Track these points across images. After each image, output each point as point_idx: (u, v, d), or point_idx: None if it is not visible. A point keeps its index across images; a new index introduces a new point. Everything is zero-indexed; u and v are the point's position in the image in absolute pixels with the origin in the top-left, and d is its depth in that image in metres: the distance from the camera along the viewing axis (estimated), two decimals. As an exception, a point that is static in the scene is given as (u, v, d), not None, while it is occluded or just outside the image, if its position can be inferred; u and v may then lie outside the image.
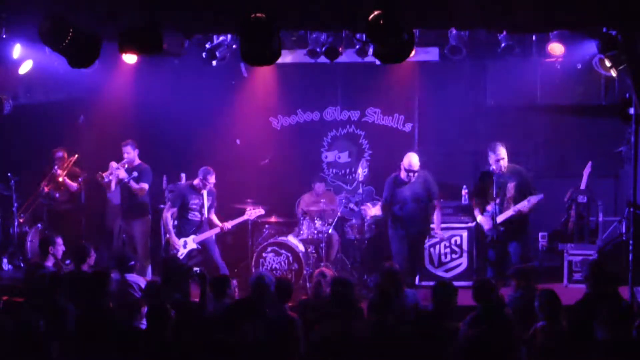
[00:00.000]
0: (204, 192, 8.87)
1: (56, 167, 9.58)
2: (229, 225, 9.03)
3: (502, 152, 8.38)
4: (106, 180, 9.03)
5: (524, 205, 8.28)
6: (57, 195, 9.68)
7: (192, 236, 8.83)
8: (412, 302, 6.49)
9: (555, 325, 5.84)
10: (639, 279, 7.22)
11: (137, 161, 9.32)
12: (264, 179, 10.49)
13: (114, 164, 9.07)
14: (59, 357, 5.40)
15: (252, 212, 9.19)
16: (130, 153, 9.26)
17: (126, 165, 9.16)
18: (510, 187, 8.36)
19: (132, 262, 7.44)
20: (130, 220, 9.29)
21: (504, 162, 8.38)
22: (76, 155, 9.69)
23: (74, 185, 9.66)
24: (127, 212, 9.30)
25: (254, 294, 6.44)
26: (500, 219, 8.30)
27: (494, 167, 8.38)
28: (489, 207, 8.40)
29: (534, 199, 8.28)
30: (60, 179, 9.54)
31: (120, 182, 9.08)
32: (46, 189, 9.63)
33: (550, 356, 5.51)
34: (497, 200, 8.24)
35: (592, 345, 5.48)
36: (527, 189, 8.40)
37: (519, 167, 8.60)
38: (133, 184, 9.05)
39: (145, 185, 9.16)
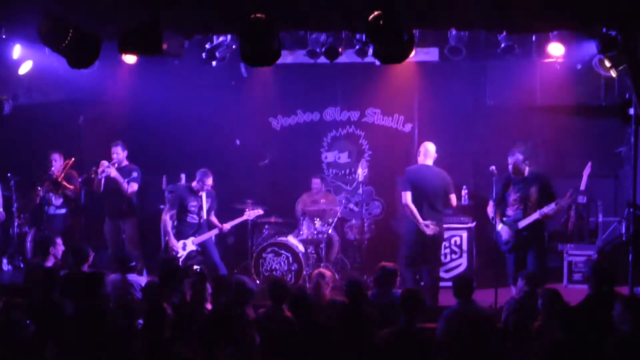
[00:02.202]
0: (203, 194, 8.87)
1: (53, 169, 9.49)
2: (227, 226, 9.05)
3: (515, 157, 7.96)
4: (99, 177, 9.02)
5: (551, 208, 7.80)
6: (54, 199, 9.55)
7: (192, 238, 8.83)
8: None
9: (558, 324, 5.86)
10: (639, 279, 7.22)
11: (125, 162, 9.33)
12: (263, 179, 10.50)
13: (105, 163, 9.07)
14: (54, 357, 5.40)
15: (251, 213, 9.21)
16: (120, 154, 9.28)
17: (116, 165, 9.17)
18: (533, 191, 7.94)
19: (134, 263, 7.45)
20: (120, 222, 9.30)
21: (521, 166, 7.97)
22: (72, 159, 9.56)
23: (71, 189, 9.57)
24: (117, 214, 9.30)
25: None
26: (523, 223, 7.90)
27: (510, 169, 8.01)
28: (510, 212, 8.02)
29: (562, 202, 7.91)
30: (60, 179, 9.43)
31: (110, 181, 9.08)
32: (41, 192, 9.48)
33: (552, 355, 5.52)
34: (521, 206, 7.93)
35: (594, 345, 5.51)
36: (550, 193, 7.95)
37: (540, 172, 8.20)
38: (128, 185, 9.09)
39: (136, 186, 9.22)
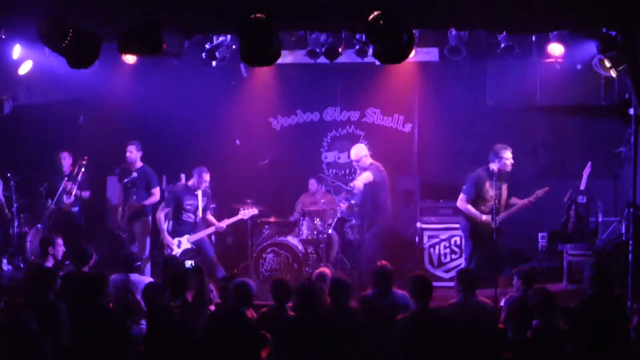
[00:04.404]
0: (199, 193, 8.90)
1: (66, 178, 9.43)
2: (223, 224, 9.06)
3: (510, 155, 8.34)
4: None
5: (529, 201, 8.30)
6: (65, 198, 9.52)
7: (187, 236, 8.88)
8: (402, 302, 6.48)
9: (550, 324, 5.87)
10: (639, 279, 7.22)
11: (140, 163, 9.34)
12: (263, 179, 10.49)
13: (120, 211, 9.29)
14: (54, 357, 5.40)
15: (246, 212, 9.20)
16: (133, 152, 9.30)
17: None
18: (504, 189, 8.39)
19: (139, 263, 7.45)
20: (133, 220, 9.32)
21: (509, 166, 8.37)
22: (85, 159, 9.48)
23: (86, 194, 9.59)
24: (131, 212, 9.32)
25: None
26: (501, 217, 8.27)
27: (496, 168, 8.28)
28: (485, 209, 8.35)
29: (540, 193, 8.31)
30: (76, 192, 9.40)
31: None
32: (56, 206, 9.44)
33: (546, 355, 5.54)
34: (496, 203, 8.19)
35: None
36: (513, 192, 8.50)
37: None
38: (146, 201, 9.22)
39: (157, 190, 9.30)
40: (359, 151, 9.05)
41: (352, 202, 9.26)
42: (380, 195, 8.97)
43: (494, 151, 8.35)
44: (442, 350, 5.61)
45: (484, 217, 8.30)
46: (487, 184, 8.32)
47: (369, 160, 9.03)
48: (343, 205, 9.37)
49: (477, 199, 8.38)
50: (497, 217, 8.15)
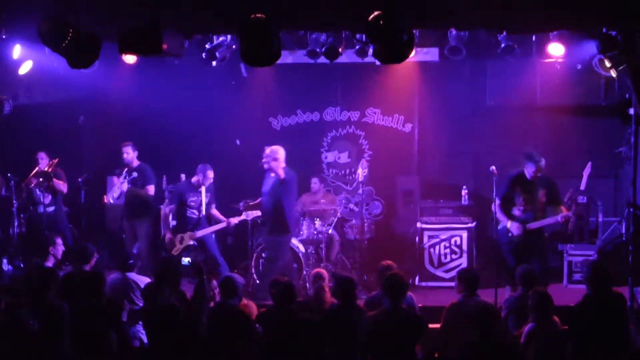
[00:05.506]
0: (202, 189, 8.94)
1: (40, 165, 9.50)
2: (235, 220, 9.06)
3: (537, 167, 8.10)
4: (112, 202, 9.16)
5: (562, 217, 8.13)
6: (42, 197, 9.52)
7: (189, 232, 8.90)
8: (407, 304, 6.47)
9: (547, 325, 5.87)
10: (639, 279, 7.22)
11: (136, 162, 9.36)
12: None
13: (115, 179, 9.23)
14: (54, 357, 5.41)
15: (250, 214, 9.22)
16: (130, 154, 9.34)
17: (125, 176, 9.18)
18: (541, 194, 8.17)
19: (132, 261, 7.45)
20: (134, 220, 9.33)
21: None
22: (56, 159, 9.53)
23: (62, 185, 9.54)
24: (131, 212, 9.34)
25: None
26: (535, 225, 8.11)
27: (527, 174, 8.16)
28: (517, 212, 8.21)
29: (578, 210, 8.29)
30: (49, 170, 9.38)
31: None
32: (33, 183, 9.47)
33: (542, 356, 5.54)
34: (529, 208, 8.14)
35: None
36: (556, 197, 8.23)
37: (547, 175, 8.30)
38: (142, 191, 9.23)
39: (151, 188, 9.32)
40: (278, 150, 8.63)
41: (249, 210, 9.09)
42: (287, 200, 8.66)
43: (527, 156, 8.17)
44: (410, 349, 5.65)
45: (509, 223, 8.10)
46: (519, 188, 8.17)
47: (282, 165, 8.59)
48: (251, 214, 9.01)
49: (510, 201, 8.16)
50: (527, 225, 8.08)
